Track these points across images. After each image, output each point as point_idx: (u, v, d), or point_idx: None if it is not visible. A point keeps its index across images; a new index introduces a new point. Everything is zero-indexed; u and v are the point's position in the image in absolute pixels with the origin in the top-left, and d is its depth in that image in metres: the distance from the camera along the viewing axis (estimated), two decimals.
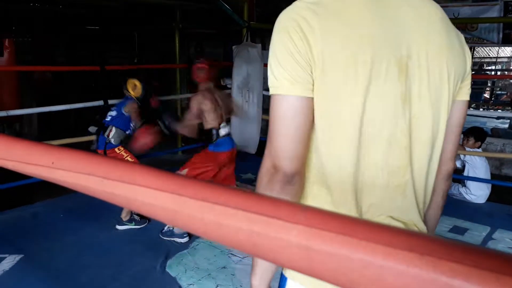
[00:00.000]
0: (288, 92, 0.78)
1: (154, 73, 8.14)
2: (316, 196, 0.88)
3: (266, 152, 0.85)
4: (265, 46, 8.01)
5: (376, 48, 0.77)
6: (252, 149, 5.46)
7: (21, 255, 2.94)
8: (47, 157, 0.41)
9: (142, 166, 0.38)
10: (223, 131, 3.30)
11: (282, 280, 0.94)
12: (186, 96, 6.94)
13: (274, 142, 0.81)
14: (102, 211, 3.56)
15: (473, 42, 6.09)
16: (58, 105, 4.19)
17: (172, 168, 5.49)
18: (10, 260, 2.87)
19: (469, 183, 4.45)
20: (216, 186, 0.33)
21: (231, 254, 3.09)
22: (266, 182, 0.84)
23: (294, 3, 0.80)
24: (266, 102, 7.11)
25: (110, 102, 4.36)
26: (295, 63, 0.78)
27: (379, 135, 0.82)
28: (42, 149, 0.43)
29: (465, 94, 0.95)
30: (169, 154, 6.07)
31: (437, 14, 0.88)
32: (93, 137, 3.57)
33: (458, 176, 4.51)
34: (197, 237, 3.33)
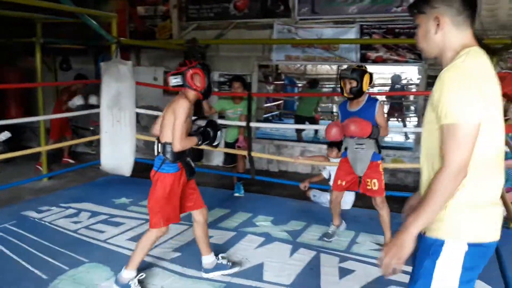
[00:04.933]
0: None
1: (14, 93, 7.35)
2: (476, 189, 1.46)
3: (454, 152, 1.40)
4: (141, 62, 7.68)
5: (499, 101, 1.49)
6: (126, 171, 5.14)
7: None
8: None
9: None
10: None
11: (437, 244, 1.47)
12: (51, 117, 6.20)
13: (462, 148, 1.37)
14: None
15: (335, 60, 6.61)
16: None
17: (37, 197, 4.87)
18: None
19: None
20: None
21: None
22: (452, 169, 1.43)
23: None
24: (142, 120, 6.75)
25: None
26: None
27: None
28: None
29: None
30: (32, 182, 5.41)
31: None
32: None
33: None
34: (59, 274, 2.99)
